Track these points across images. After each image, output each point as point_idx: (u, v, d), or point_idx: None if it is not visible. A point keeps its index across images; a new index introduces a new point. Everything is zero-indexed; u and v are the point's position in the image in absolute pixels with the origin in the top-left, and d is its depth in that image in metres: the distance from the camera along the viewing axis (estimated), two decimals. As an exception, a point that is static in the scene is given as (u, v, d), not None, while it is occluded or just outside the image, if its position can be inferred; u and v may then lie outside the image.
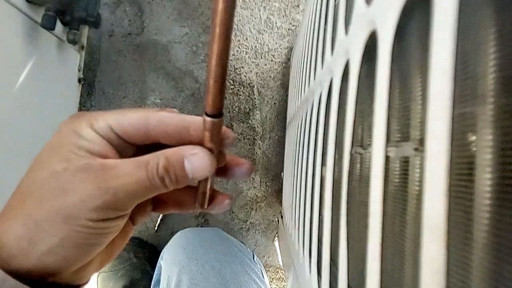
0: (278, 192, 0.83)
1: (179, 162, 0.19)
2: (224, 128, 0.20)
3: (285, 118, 0.80)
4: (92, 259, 0.19)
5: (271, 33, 0.81)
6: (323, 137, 0.33)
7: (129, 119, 0.19)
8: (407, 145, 0.17)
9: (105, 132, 0.19)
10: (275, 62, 0.82)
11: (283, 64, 0.82)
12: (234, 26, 0.80)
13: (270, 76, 0.82)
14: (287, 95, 0.81)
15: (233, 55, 0.80)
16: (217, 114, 0.18)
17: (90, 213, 0.17)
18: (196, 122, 0.19)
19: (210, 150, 0.19)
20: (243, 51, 0.81)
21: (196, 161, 0.19)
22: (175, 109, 0.21)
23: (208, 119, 0.18)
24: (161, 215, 0.76)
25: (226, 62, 0.16)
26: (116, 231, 0.20)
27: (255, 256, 0.63)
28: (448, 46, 0.13)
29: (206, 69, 0.14)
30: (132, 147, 0.20)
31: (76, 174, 0.17)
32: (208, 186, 0.21)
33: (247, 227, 0.82)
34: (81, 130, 0.18)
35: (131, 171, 0.18)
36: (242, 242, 0.66)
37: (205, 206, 0.22)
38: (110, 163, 0.18)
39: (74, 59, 0.72)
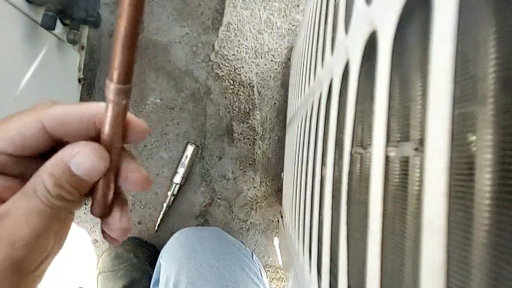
0: (278, 192, 0.83)
1: (66, 170, 0.16)
2: (133, 117, 0.17)
3: (285, 118, 0.80)
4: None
5: (271, 33, 0.81)
6: (323, 137, 0.33)
7: (17, 130, 0.16)
8: (407, 145, 0.17)
9: None
10: (275, 62, 0.82)
11: (283, 64, 0.82)
12: (234, 26, 0.80)
13: (270, 76, 0.82)
14: (287, 95, 0.81)
15: (233, 55, 0.80)
16: (125, 80, 0.14)
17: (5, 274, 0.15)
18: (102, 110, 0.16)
19: (105, 141, 0.16)
20: (243, 51, 0.81)
21: (82, 161, 0.16)
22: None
23: (114, 85, 0.14)
24: (161, 215, 0.76)
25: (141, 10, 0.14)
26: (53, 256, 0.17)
27: (254, 255, 0.63)
28: (448, 46, 0.13)
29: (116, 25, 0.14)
30: (25, 158, 0.17)
31: None
32: (110, 187, 0.17)
33: (247, 227, 0.82)
34: None
35: (26, 207, 0.15)
36: (242, 242, 0.66)
37: (105, 213, 0.18)
38: None
39: (74, 59, 0.72)
